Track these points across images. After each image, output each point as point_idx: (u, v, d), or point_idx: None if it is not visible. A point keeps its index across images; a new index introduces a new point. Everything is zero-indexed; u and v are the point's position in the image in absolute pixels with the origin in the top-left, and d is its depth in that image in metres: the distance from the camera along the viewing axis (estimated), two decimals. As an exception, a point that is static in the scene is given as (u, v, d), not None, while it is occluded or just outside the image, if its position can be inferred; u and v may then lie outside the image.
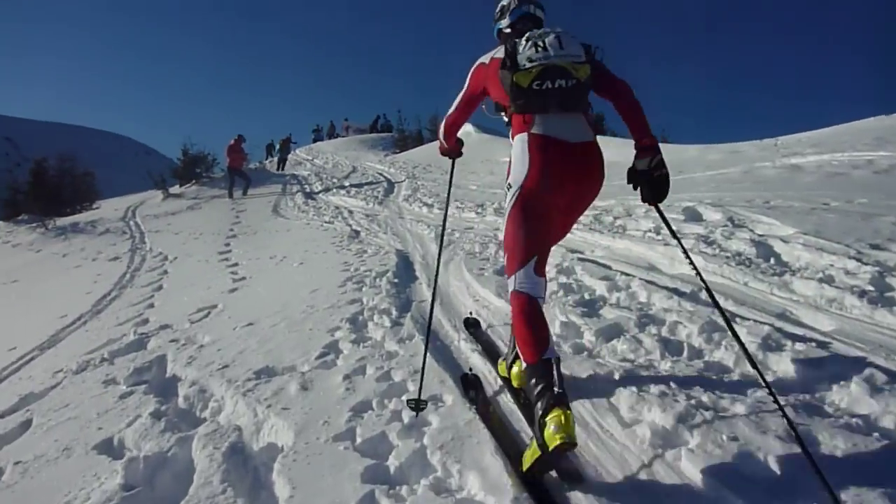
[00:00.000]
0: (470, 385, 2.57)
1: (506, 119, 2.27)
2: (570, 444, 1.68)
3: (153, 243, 10.39)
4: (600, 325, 2.99)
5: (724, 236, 4.28)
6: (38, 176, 16.19)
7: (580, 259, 4.36)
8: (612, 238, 4.90)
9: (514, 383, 2.41)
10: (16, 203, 15.41)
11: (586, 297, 3.53)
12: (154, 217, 12.97)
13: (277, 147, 20.33)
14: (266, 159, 19.99)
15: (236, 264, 7.19)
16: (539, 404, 1.79)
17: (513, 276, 2.12)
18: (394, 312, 3.73)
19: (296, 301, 4.46)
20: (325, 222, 9.13)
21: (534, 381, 1.87)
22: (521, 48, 2.07)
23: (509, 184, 2.17)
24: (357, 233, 7.76)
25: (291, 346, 3.41)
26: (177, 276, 7.33)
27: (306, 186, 14.53)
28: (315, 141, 30.19)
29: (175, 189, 15.97)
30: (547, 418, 1.73)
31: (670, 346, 2.70)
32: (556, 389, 1.79)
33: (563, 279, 3.91)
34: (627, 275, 3.80)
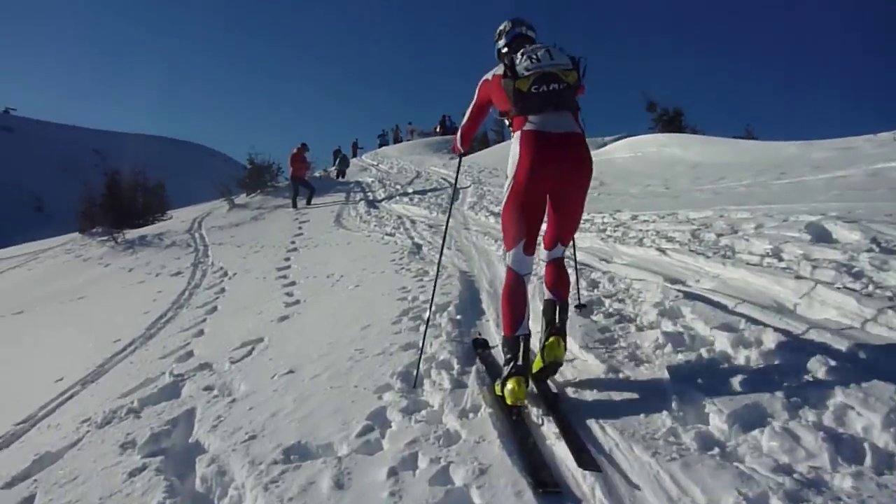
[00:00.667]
0: (479, 345, 3.29)
1: (507, 122, 2.68)
2: (520, 405, 2.38)
3: (215, 257, 10.24)
4: (732, 404, 2.15)
5: (875, 266, 3.30)
6: (111, 188, 16.65)
7: (686, 295, 3.50)
8: (720, 264, 3.99)
9: (508, 401, 2.40)
10: (91, 215, 15.94)
11: (704, 355, 2.68)
12: (219, 229, 12.94)
13: (337, 160, 19.93)
14: (333, 166, 19.85)
15: (293, 283, 6.75)
16: (506, 369, 2.44)
17: (508, 254, 2.61)
18: (455, 366, 3.03)
19: (344, 341, 3.86)
20: (387, 234, 8.59)
21: (506, 349, 2.49)
22: (518, 61, 2.48)
23: (507, 175, 2.58)
24: (419, 247, 7.15)
25: (331, 410, 2.78)
26: (232, 296, 6.98)
27: (369, 194, 14.15)
28: (381, 146, 30.12)
29: (241, 199, 16.04)
30: (508, 381, 2.37)
31: (843, 447, 1.86)
32: (519, 362, 2.40)
33: (668, 325, 3.06)
34: (754, 321, 2.91)
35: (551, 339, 2.45)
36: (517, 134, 2.49)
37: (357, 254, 7.61)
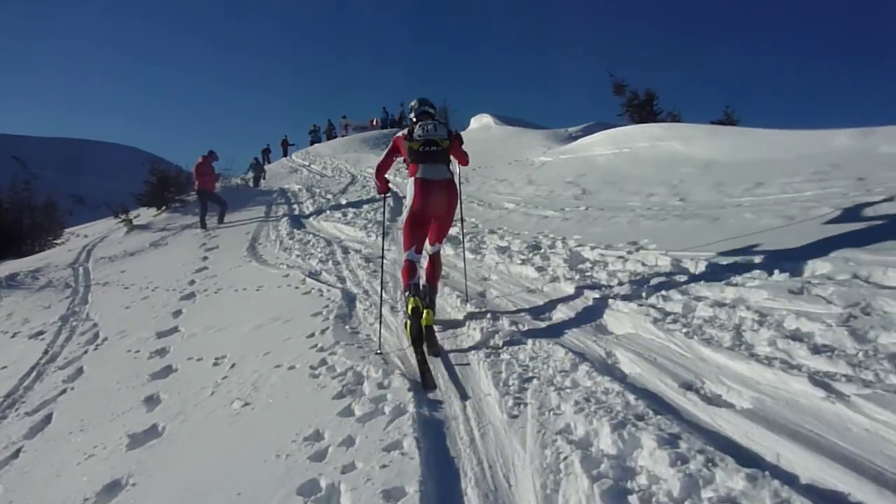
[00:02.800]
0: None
1: (406, 165, 4.11)
2: (414, 313, 3.71)
3: (94, 306, 7.98)
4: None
5: None
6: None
7: (716, 436, 1.72)
8: (745, 362, 2.30)
9: (409, 307, 3.80)
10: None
11: None
12: (109, 260, 10.52)
13: (249, 164, 17.52)
14: (248, 172, 17.35)
15: (167, 371, 4.70)
16: (405, 295, 3.93)
17: (406, 252, 4.05)
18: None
19: None
20: (311, 274, 6.55)
21: (407, 292, 3.89)
22: (416, 130, 4.03)
23: (405, 205, 4.12)
24: (351, 301, 5.21)
25: None
26: (81, 392, 4.88)
27: (295, 206, 12.00)
28: (312, 143, 27.62)
29: (143, 216, 13.51)
30: (408, 301, 3.80)
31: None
32: (412, 290, 3.84)
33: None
34: None
35: (426, 312, 3.72)
36: (412, 179, 3.99)
37: (266, 312, 5.57)
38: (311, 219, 10.43)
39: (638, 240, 4.99)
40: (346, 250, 7.49)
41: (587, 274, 4.46)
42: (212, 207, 11.74)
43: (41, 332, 7.19)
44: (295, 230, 9.50)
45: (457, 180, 4.12)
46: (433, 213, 3.96)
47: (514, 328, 3.63)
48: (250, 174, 16.98)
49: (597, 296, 3.92)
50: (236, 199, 13.03)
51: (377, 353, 3.66)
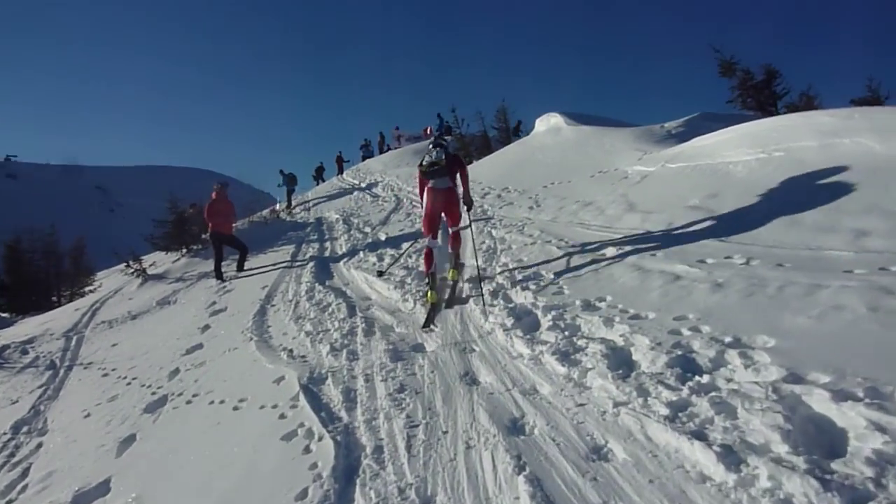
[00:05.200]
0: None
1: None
2: (433, 305, 5.14)
3: (56, 406, 6.19)
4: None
5: None
6: (9, 262, 12.61)
7: None
8: None
9: (427, 300, 5.31)
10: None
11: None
12: (108, 326, 8.77)
13: (282, 180, 17.12)
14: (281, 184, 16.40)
15: None
16: (425, 283, 5.52)
17: (425, 238, 5.58)
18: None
19: None
20: (307, 387, 4.28)
21: (426, 280, 5.46)
22: (424, 158, 5.64)
23: (422, 205, 5.76)
24: (352, 474, 2.91)
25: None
26: None
27: (328, 243, 9.89)
28: (364, 158, 25.79)
29: (160, 263, 11.83)
30: (428, 292, 5.29)
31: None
32: (430, 283, 5.35)
33: None
34: None
35: (452, 270, 5.56)
36: (427, 188, 5.66)
37: (221, 476, 3.35)
38: (341, 263, 8.26)
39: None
40: (370, 326, 5.19)
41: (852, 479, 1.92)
42: (230, 250, 9.83)
43: (-18, 452, 5.38)
44: (318, 285, 7.30)
45: (459, 190, 5.75)
46: (440, 209, 5.65)
47: None
48: (281, 199, 15.63)
49: None
50: (263, 237, 11.13)
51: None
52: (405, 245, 7.74)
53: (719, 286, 3.69)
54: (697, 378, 2.79)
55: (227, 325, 6.90)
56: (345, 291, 6.82)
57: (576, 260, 5.25)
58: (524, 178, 9.90)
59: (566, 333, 3.76)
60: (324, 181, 25.05)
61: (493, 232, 7.25)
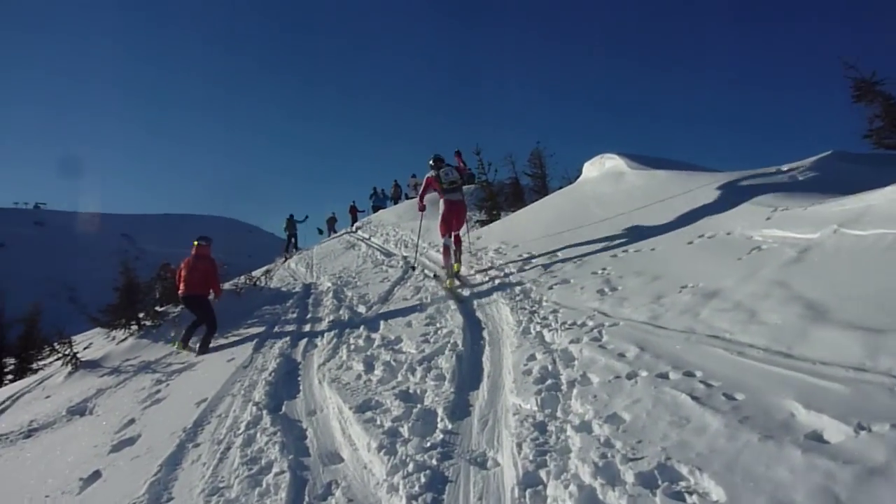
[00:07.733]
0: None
1: (438, 193, 7.93)
2: (455, 281, 7.36)
3: None
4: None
5: None
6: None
7: None
8: None
9: (448, 285, 7.30)
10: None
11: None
12: (9, 441, 6.13)
13: (284, 225, 16.28)
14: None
15: None
16: (445, 274, 7.80)
17: (442, 239, 7.81)
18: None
19: None
20: None
21: (445, 269, 7.81)
22: (442, 176, 7.81)
23: (439, 211, 7.90)
24: None
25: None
26: None
27: (307, 327, 7.22)
28: (376, 209, 23.39)
29: (99, 345, 9.23)
30: (447, 279, 7.46)
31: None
32: (450, 269, 7.61)
33: None
34: None
35: (455, 264, 7.58)
36: (442, 200, 7.78)
37: None
38: (315, 368, 5.55)
39: None
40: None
41: None
42: (198, 326, 7.43)
43: None
44: (268, 415, 4.58)
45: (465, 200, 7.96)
46: (454, 217, 7.73)
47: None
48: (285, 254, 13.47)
49: None
50: (231, 312, 8.50)
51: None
52: (406, 344, 5.01)
53: None
54: None
55: (119, 479, 4.21)
56: (304, 435, 4.10)
57: (765, 447, 2.43)
58: (580, 241, 7.26)
59: None
60: (335, 233, 22.77)
61: (546, 335, 4.53)
